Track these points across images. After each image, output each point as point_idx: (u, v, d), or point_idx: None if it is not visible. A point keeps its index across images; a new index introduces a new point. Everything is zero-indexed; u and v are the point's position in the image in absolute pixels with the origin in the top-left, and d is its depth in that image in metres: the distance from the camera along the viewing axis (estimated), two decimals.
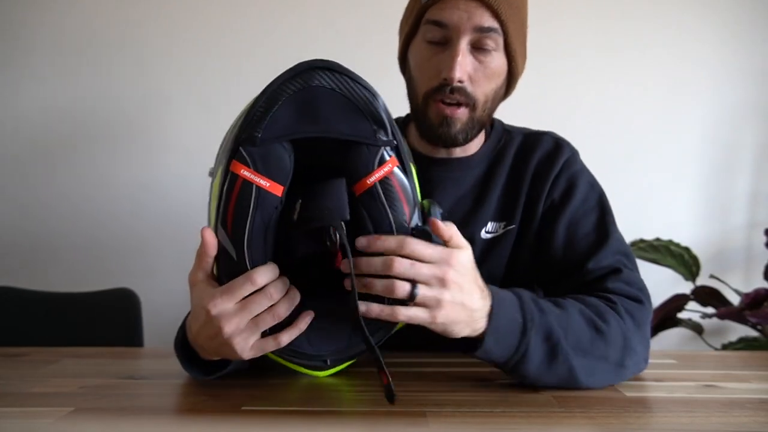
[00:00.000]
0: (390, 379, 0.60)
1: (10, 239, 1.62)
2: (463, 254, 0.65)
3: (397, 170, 0.64)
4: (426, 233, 0.63)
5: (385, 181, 0.64)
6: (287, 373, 0.72)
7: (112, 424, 0.60)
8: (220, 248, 0.63)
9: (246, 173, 0.61)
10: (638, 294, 0.78)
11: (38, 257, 1.62)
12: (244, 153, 0.61)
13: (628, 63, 1.61)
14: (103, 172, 1.61)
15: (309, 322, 0.65)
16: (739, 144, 1.65)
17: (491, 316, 0.66)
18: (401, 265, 0.61)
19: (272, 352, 0.65)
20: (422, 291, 0.61)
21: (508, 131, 0.95)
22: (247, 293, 0.61)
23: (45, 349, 0.92)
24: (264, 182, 0.61)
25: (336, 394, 0.69)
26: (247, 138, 0.61)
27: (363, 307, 0.62)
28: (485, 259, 0.87)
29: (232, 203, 0.61)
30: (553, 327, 0.68)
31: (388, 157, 0.64)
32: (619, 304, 0.75)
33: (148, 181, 1.62)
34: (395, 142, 0.65)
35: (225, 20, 1.60)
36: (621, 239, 0.84)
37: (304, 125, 0.62)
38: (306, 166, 0.65)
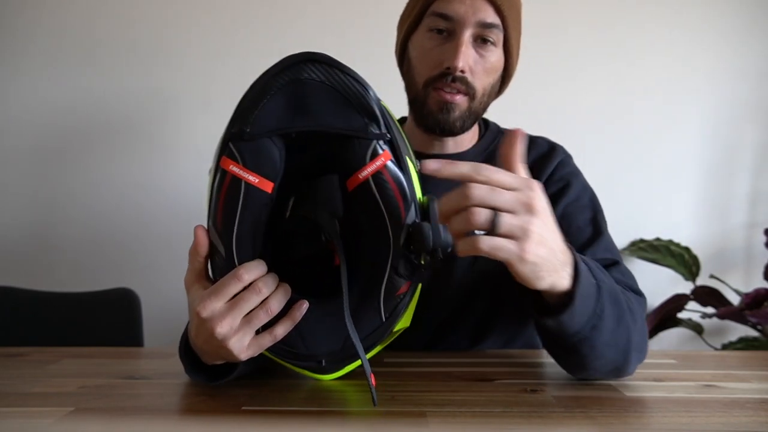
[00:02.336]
0: (373, 385, 0.59)
1: (10, 239, 1.62)
2: (541, 185, 0.57)
3: (390, 164, 0.62)
4: (420, 229, 0.58)
5: (378, 176, 0.61)
6: (287, 374, 0.72)
7: (112, 424, 0.60)
8: (212, 247, 0.62)
9: (235, 169, 0.60)
10: (636, 287, 0.78)
11: (38, 257, 1.62)
12: (233, 148, 0.60)
13: (628, 63, 1.61)
14: (104, 172, 1.61)
15: (304, 311, 0.63)
16: (739, 144, 1.65)
17: (577, 272, 0.58)
18: (480, 190, 0.54)
19: (268, 350, 0.64)
20: (507, 218, 0.53)
21: (503, 132, 0.96)
22: (236, 291, 0.60)
23: (45, 349, 0.92)
24: (253, 178, 0.60)
25: (336, 394, 0.69)
26: (237, 133, 0.60)
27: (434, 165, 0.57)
28: (479, 256, 0.86)
29: (221, 200, 0.60)
30: (615, 290, 0.63)
31: (381, 151, 0.62)
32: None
33: (149, 181, 1.62)
34: (388, 135, 0.62)
35: (228, 19, 1.60)
36: (611, 241, 0.86)
37: (295, 119, 0.60)
38: (299, 163, 0.64)
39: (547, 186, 0.88)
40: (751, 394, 0.70)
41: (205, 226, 0.63)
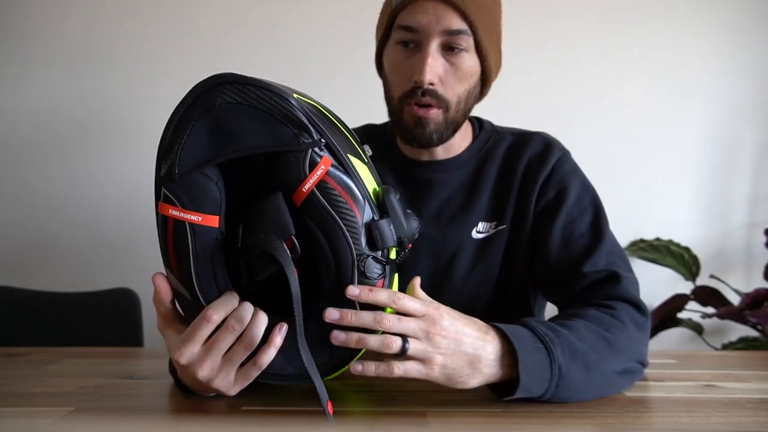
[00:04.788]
0: (329, 413, 0.58)
1: (9, 239, 1.62)
2: (443, 306, 0.64)
3: (332, 170, 0.59)
4: (380, 227, 0.60)
5: (321, 185, 0.59)
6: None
7: (112, 424, 0.60)
8: (175, 291, 0.61)
9: (175, 213, 0.58)
10: (636, 298, 0.78)
11: (38, 257, 1.62)
12: (167, 192, 0.58)
13: (629, 63, 1.61)
14: (104, 171, 1.61)
15: (284, 334, 0.60)
16: (739, 144, 1.65)
17: (516, 352, 0.62)
18: (389, 321, 0.60)
19: (258, 378, 0.61)
20: (413, 345, 0.60)
21: (498, 132, 0.95)
22: (208, 333, 0.58)
23: (45, 349, 0.92)
24: (195, 217, 0.58)
25: (336, 394, 0.69)
26: (166, 175, 0.58)
27: (359, 366, 0.60)
28: (479, 259, 0.87)
29: (170, 246, 0.59)
30: (572, 341, 0.67)
31: (318, 159, 0.59)
32: (619, 309, 0.75)
33: (149, 181, 1.60)
34: (323, 140, 0.59)
35: (226, 21, 1.60)
36: (614, 240, 0.85)
37: (219, 148, 0.58)
38: (241, 186, 0.62)
39: (544, 188, 0.87)
40: (751, 394, 0.70)
41: (164, 273, 0.61)
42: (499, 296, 0.88)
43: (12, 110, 1.61)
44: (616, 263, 0.81)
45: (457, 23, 0.78)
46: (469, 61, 0.81)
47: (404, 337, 0.60)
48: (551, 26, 1.59)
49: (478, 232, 0.88)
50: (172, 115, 0.59)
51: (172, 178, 0.58)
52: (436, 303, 0.64)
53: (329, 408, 0.58)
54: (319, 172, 0.59)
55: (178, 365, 0.60)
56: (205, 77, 0.60)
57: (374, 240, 0.60)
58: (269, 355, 0.59)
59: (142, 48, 1.60)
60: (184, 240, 0.58)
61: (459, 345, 0.62)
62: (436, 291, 0.72)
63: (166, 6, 1.59)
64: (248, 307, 0.59)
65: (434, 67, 0.79)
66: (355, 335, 0.60)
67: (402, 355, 0.60)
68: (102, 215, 1.61)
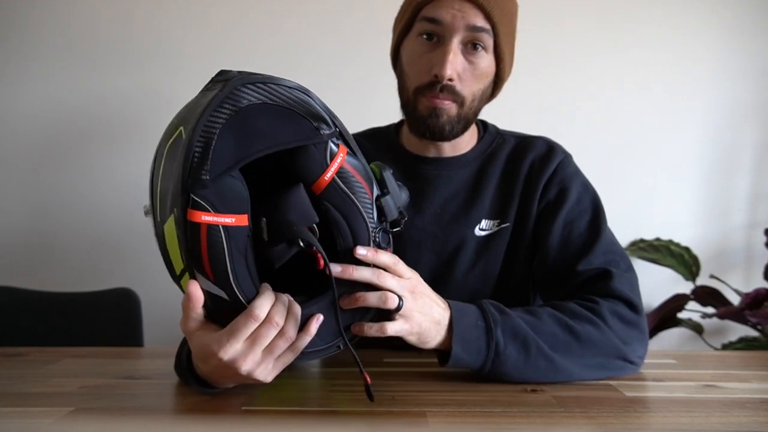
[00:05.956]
0: (369, 380, 0.62)
1: (10, 239, 1.62)
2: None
3: (348, 157, 0.64)
4: (387, 202, 0.67)
5: (341, 172, 0.63)
6: (287, 374, 0.72)
7: (112, 424, 0.60)
8: (207, 294, 0.60)
9: (207, 218, 0.57)
10: (627, 295, 0.79)
11: (38, 257, 1.62)
12: (197, 199, 0.57)
13: (629, 63, 1.61)
14: (104, 171, 1.61)
15: (320, 323, 0.63)
16: (739, 144, 1.65)
17: (452, 325, 0.70)
18: (386, 277, 0.66)
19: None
20: (407, 304, 0.66)
21: (501, 135, 0.97)
22: (252, 330, 0.59)
23: (45, 349, 0.92)
24: (229, 219, 0.58)
25: (335, 395, 0.69)
26: (194, 182, 0.57)
27: (357, 327, 0.66)
28: (480, 256, 0.89)
29: (203, 251, 0.58)
30: (517, 324, 0.72)
31: (336, 149, 0.63)
32: (602, 304, 0.77)
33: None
34: (338, 129, 0.64)
35: (231, 19, 1.60)
36: (612, 240, 0.87)
37: (248, 147, 0.59)
38: (259, 181, 0.63)
39: (547, 188, 0.89)
40: (751, 394, 0.70)
41: (194, 281, 0.60)
42: (499, 294, 0.88)
43: (12, 111, 1.61)
44: (614, 261, 0.83)
45: (481, 21, 0.81)
46: (487, 61, 0.84)
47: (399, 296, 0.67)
48: (551, 26, 1.59)
49: (481, 229, 0.89)
50: (198, 120, 0.57)
51: (204, 184, 0.57)
52: (414, 271, 0.70)
53: (368, 378, 0.62)
54: (339, 160, 0.63)
55: (217, 361, 0.60)
56: (226, 76, 0.60)
57: (383, 214, 0.67)
58: (304, 342, 0.62)
59: (141, 49, 1.60)
60: (219, 244, 0.58)
61: (430, 309, 0.69)
62: (437, 286, 0.74)
63: (165, 7, 1.59)
64: (285, 301, 0.62)
65: (455, 63, 0.81)
66: (358, 293, 0.65)
67: (397, 310, 0.66)
68: (102, 215, 1.61)
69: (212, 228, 0.57)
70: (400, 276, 0.67)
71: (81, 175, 1.62)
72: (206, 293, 0.60)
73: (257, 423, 0.60)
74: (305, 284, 0.67)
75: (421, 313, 0.68)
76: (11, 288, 1.29)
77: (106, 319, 1.29)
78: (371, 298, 0.65)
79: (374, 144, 0.96)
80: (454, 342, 0.69)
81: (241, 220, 0.59)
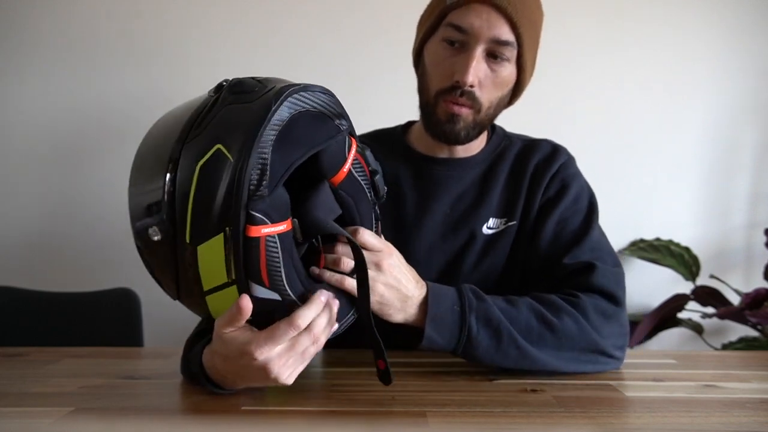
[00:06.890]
0: (388, 363, 0.65)
1: (10, 239, 1.62)
2: (396, 251, 0.73)
3: (359, 145, 0.69)
4: (376, 180, 0.72)
5: (354, 161, 0.68)
6: None
7: (112, 424, 0.60)
8: (255, 300, 0.60)
9: (266, 230, 0.58)
10: (609, 288, 0.80)
11: (38, 257, 1.62)
12: (257, 214, 0.57)
13: (629, 63, 1.61)
14: (104, 172, 1.61)
15: (348, 326, 0.66)
16: (739, 144, 1.65)
17: (427, 304, 0.72)
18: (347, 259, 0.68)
19: None
20: (369, 272, 0.67)
21: (509, 137, 0.98)
22: (291, 336, 0.60)
23: (45, 349, 0.92)
24: (282, 227, 0.59)
25: (335, 394, 0.69)
26: (254, 200, 0.57)
27: (317, 270, 0.67)
28: (486, 253, 0.90)
29: (262, 262, 0.58)
30: (492, 311, 0.73)
31: (349, 140, 0.67)
32: (583, 298, 0.78)
33: None
34: (348, 119, 0.67)
35: (231, 19, 1.60)
36: (600, 238, 0.88)
37: (290, 155, 0.60)
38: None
39: (548, 186, 0.91)
40: (751, 394, 0.70)
41: (247, 296, 0.59)
42: (502, 290, 0.88)
43: (13, 113, 1.61)
44: (600, 258, 0.84)
45: (506, 34, 0.81)
46: (509, 71, 0.85)
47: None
48: (551, 26, 1.59)
49: (489, 228, 0.91)
50: (251, 144, 0.57)
51: (263, 200, 0.58)
52: (391, 245, 0.73)
53: (381, 363, 0.65)
54: (353, 151, 0.68)
55: (248, 360, 0.60)
56: (248, 87, 0.61)
57: (376, 191, 0.72)
58: (327, 335, 0.64)
59: (143, 50, 1.60)
60: (275, 252, 0.59)
61: (398, 283, 0.71)
62: (441, 283, 0.74)
63: (167, 7, 1.59)
64: (333, 314, 0.63)
65: (477, 71, 0.82)
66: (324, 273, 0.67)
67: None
68: (102, 215, 1.61)
69: (269, 239, 0.58)
70: (366, 246, 0.69)
71: (80, 175, 1.62)
72: (255, 299, 0.59)
73: (257, 423, 0.60)
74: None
75: (386, 285, 0.69)
76: (11, 288, 1.29)
77: (106, 319, 1.28)
78: (332, 277, 0.66)
79: (382, 145, 0.96)
80: (428, 324, 0.71)
81: (288, 224, 0.61)
